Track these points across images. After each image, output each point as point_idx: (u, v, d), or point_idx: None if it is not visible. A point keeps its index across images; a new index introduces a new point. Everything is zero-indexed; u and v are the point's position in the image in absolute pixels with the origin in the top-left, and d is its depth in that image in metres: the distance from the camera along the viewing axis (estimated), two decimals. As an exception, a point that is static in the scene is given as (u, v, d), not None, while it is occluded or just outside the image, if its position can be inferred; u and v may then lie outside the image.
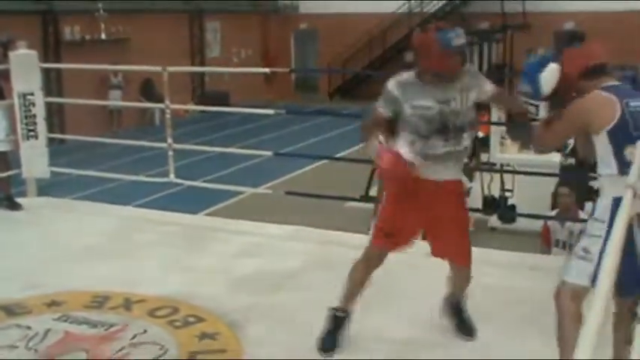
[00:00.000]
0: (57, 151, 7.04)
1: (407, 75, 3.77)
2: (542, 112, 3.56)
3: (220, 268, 5.14)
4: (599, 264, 3.10)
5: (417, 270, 4.88)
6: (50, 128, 6.81)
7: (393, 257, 3.96)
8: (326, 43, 24.25)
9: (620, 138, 3.21)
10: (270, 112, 6.96)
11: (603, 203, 3.27)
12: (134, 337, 4.07)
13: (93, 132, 13.35)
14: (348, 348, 3.92)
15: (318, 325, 4.11)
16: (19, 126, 6.58)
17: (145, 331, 4.12)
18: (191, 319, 4.26)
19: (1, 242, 5.76)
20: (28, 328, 4.19)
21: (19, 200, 6.70)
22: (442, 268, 4.05)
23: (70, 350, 3.93)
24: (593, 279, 3.18)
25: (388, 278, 4.21)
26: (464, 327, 4.10)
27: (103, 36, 18.35)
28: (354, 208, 9.61)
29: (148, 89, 18.51)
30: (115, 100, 17.61)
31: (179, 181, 6.74)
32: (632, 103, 3.24)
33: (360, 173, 9.41)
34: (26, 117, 6.55)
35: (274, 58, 24.08)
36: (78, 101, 11.18)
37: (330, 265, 5.11)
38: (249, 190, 8.25)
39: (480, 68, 14.39)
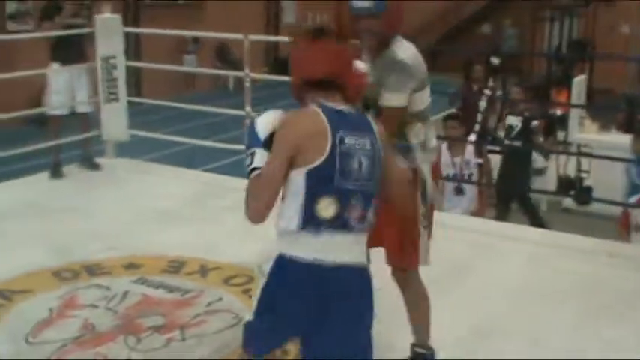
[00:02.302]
0: (133, 112, 7.13)
1: None
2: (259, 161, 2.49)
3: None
4: None
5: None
6: (127, 89, 6.90)
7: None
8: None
9: (318, 185, 2.40)
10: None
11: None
12: (209, 304, 4.13)
13: (168, 93, 13.53)
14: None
15: (389, 302, 4.12)
16: (100, 89, 6.71)
17: (220, 299, 4.18)
18: (265, 289, 4.29)
19: (81, 202, 5.90)
20: (108, 288, 4.30)
21: (97, 160, 6.85)
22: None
23: (147, 313, 4.01)
24: None
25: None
26: None
27: (181, -1, 18.50)
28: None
29: (224, 53, 18.62)
30: (190, 65, 17.75)
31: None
32: (348, 140, 2.42)
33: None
34: (108, 80, 6.67)
35: (347, 25, 23.88)
36: (157, 66, 11.30)
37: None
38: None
39: (560, 45, 13.97)
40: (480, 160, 6.64)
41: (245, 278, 4.42)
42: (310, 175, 2.40)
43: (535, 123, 7.79)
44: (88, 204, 5.86)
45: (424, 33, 22.91)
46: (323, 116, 2.43)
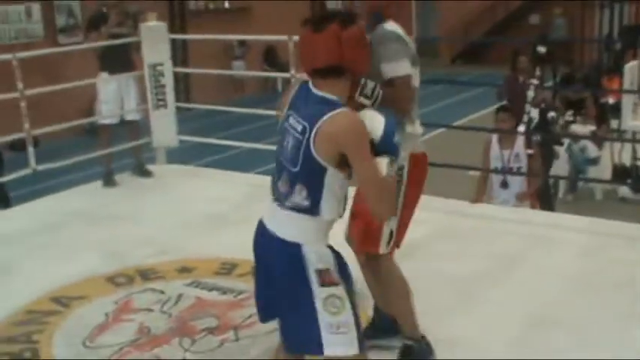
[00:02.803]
0: (182, 117, 7.21)
1: None
2: None
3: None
4: None
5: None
6: (176, 96, 6.97)
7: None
8: (448, 5, 23.72)
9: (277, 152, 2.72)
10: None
11: None
12: (262, 304, 4.15)
13: (217, 98, 13.64)
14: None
15: (444, 295, 4.10)
16: (149, 96, 6.79)
17: (273, 299, 4.19)
18: (316, 288, 4.29)
19: (134, 208, 5.99)
20: (162, 292, 4.36)
21: (149, 167, 6.94)
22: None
23: (201, 315, 4.06)
24: None
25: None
26: None
27: (227, 5, 18.62)
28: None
29: (271, 57, 18.71)
30: (239, 71, 17.88)
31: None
32: (290, 120, 2.58)
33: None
34: (156, 87, 6.75)
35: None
36: (203, 71, 11.44)
37: (455, 235, 5.07)
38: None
39: (611, 30, 13.71)
40: (531, 151, 6.55)
41: (296, 278, 4.43)
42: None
43: (552, 114, 7.69)
44: (141, 210, 5.95)
45: (473, 26, 22.73)
46: (292, 94, 2.66)
